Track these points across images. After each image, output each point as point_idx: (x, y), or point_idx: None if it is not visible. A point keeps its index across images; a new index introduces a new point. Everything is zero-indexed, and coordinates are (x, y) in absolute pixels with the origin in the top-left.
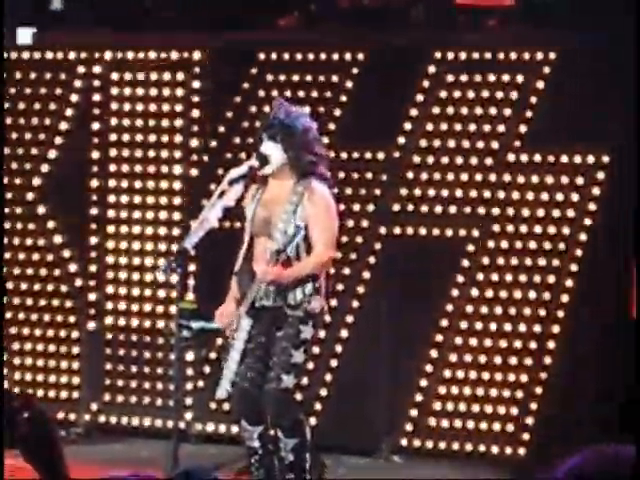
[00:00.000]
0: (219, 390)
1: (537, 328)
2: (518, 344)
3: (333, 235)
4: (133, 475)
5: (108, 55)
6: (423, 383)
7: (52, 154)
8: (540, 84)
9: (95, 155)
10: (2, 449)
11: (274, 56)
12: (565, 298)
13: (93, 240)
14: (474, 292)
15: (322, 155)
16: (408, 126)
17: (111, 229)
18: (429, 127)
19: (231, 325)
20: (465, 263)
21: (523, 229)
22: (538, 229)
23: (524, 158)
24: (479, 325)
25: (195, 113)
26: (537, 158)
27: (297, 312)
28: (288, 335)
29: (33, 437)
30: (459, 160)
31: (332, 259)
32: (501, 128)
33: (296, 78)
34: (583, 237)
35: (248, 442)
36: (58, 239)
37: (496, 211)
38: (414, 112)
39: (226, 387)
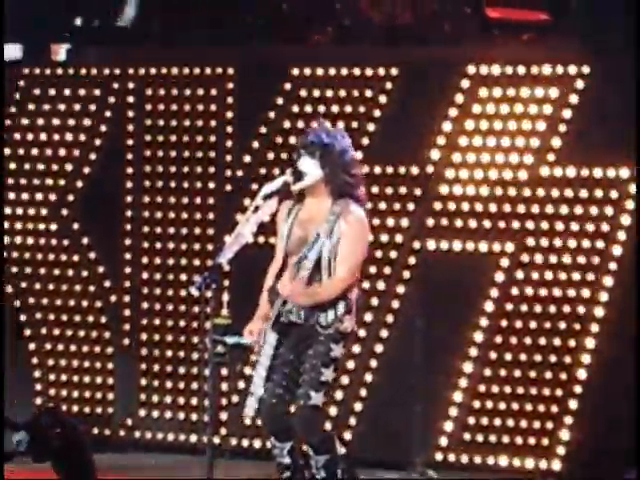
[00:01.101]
0: (246, 408)
1: (572, 342)
2: (553, 358)
3: (358, 260)
4: None
5: (142, 71)
6: (458, 397)
7: (87, 170)
8: (574, 98)
9: (129, 170)
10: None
11: (307, 71)
12: (599, 312)
13: (127, 256)
14: (508, 306)
15: (359, 177)
16: (442, 141)
17: (145, 244)
18: (463, 142)
19: (259, 342)
20: (499, 277)
21: (557, 243)
22: (572, 243)
23: (558, 172)
24: (514, 339)
25: (229, 128)
26: (571, 172)
27: (329, 331)
28: (318, 352)
29: (65, 451)
30: (493, 174)
31: (354, 282)
32: (535, 142)
33: (330, 93)
34: (617, 251)
35: (279, 459)
36: (92, 255)
37: (530, 225)
38: (448, 127)
39: (253, 404)
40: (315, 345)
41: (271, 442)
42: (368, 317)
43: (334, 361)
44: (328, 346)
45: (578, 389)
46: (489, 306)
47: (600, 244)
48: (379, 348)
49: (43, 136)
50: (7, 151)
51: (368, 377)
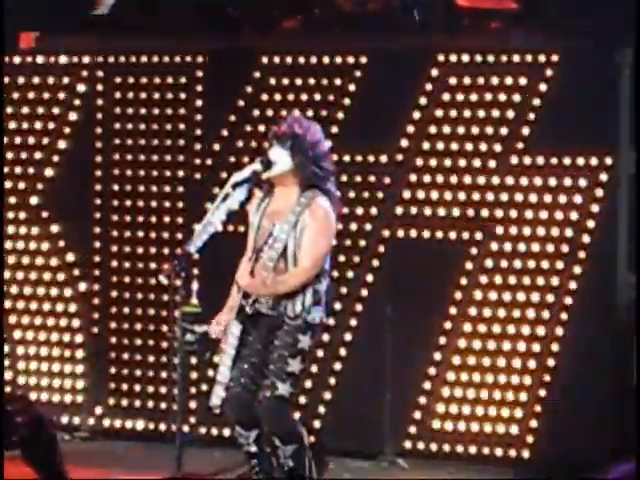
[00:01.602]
0: (213, 397)
1: (541, 330)
2: (522, 346)
3: (322, 252)
4: None
5: (111, 59)
6: (427, 386)
7: (56, 158)
8: (543, 86)
9: (98, 159)
10: (2, 451)
11: (277, 60)
12: (568, 300)
13: (97, 244)
14: (477, 295)
15: (329, 170)
16: (411, 129)
17: (115, 233)
18: (432, 130)
19: (225, 331)
20: (468, 266)
21: (526, 231)
22: (541, 231)
23: (527, 160)
24: (482, 328)
25: (198, 117)
26: (540, 160)
27: (296, 322)
28: (285, 343)
29: (32, 440)
30: (462, 163)
31: (321, 273)
32: (504, 131)
33: (299, 82)
34: (586, 239)
35: (245, 447)
36: (62, 243)
37: (499, 213)
38: (417, 115)
39: (219, 394)
40: (282, 335)
41: (236, 431)
42: (337, 306)
43: (301, 352)
44: (295, 337)
45: (547, 377)
46: (458, 295)
47: (569, 232)
48: (348, 337)
49: (12, 124)
50: None
51: (337, 366)
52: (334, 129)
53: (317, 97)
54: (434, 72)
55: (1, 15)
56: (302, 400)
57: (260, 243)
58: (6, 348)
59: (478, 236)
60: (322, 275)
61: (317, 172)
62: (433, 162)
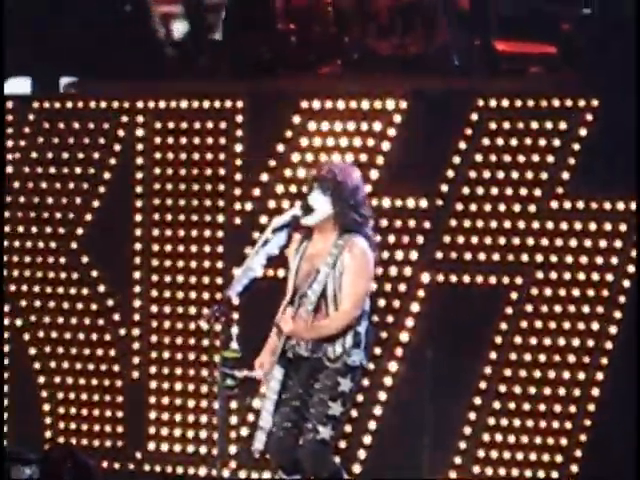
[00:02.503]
0: (255, 442)
1: (581, 375)
2: (562, 391)
3: (364, 293)
4: None
5: (151, 104)
6: (467, 431)
7: (96, 203)
8: (582, 131)
9: (138, 204)
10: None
11: (316, 104)
12: (609, 345)
13: (137, 289)
14: (517, 339)
15: (368, 216)
16: (451, 174)
17: (154, 277)
18: (472, 174)
19: (267, 375)
20: (508, 310)
21: (566, 276)
22: (582, 276)
23: (567, 205)
24: (523, 372)
25: (238, 162)
26: (580, 205)
27: (336, 364)
28: (326, 386)
29: None
30: (502, 207)
31: (361, 315)
32: (544, 175)
33: (338, 126)
34: (626, 284)
35: None
36: (101, 288)
37: (539, 258)
38: (457, 160)
39: (262, 438)
40: (323, 379)
41: (279, 475)
42: (377, 350)
43: (342, 395)
44: (335, 380)
45: (587, 422)
46: (498, 339)
47: (609, 277)
48: (388, 381)
49: (52, 169)
50: (16, 184)
51: (377, 410)
52: (374, 174)
53: (357, 142)
54: (474, 116)
55: (1, 16)
56: (342, 444)
57: (302, 286)
58: (45, 393)
59: (518, 281)
60: (362, 317)
61: (356, 219)
62: (473, 207)
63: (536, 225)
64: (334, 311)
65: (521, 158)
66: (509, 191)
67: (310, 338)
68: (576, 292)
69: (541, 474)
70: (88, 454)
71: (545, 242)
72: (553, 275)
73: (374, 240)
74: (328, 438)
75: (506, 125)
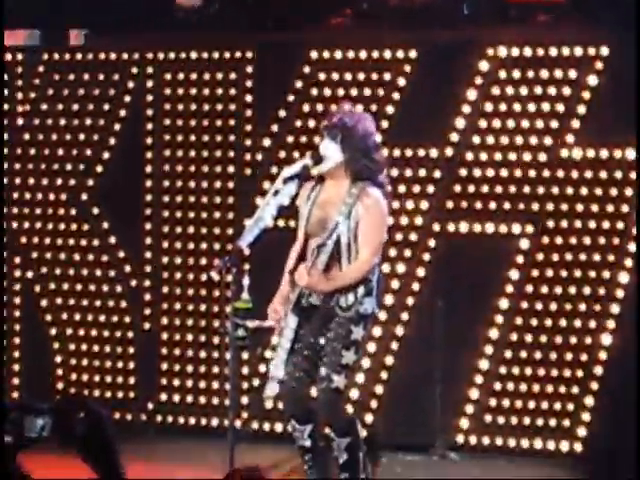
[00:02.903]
0: (267, 390)
1: (592, 324)
2: (573, 340)
3: (380, 242)
4: None
5: (160, 55)
6: (479, 380)
7: (106, 155)
8: (593, 79)
9: (149, 155)
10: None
11: (326, 54)
12: (620, 293)
13: (148, 240)
14: (529, 288)
15: (380, 162)
16: (461, 123)
17: (165, 229)
18: (482, 124)
19: (280, 322)
20: (519, 259)
21: (577, 225)
22: (592, 224)
23: (577, 153)
24: (534, 321)
25: (248, 112)
26: (590, 153)
27: (349, 313)
28: (339, 335)
29: (89, 437)
30: (512, 156)
31: (373, 267)
32: (554, 124)
33: (348, 76)
34: (637, 232)
35: (300, 442)
36: (112, 240)
37: (550, 207)
38: (467, 109)
39: (274, 387)
40: (335, 327)
41: (291, 425)
42: (389, 300)
43: (355, 343)
44: (348, 328)
45: (599, 370)
46: (509, 288)
47: (620, 225)
48: (400, 331)
49: (62, 121)
50: (27, 136)
51: (389, 360)
52: (384, 124)
53: (367, 92)
54: (483, 66)
55: (1, 14)
56: (354, 394)
57: (314, 233)
58: (57, 345)
59: (529, 229)
60: (375, 266)
61: (368, 165)
62: (483, 156)
63: (547, 174)
64: (347, 261)
65: (531, 107)
66: (519, 140)
67: (327, 290)
68: (587, 240)
69: (553, 422)
70: (100, 404)
71: (556, 190)
72: (564, 224)
73: (387, 187)
74: (342, 387)
75: (516, 74)
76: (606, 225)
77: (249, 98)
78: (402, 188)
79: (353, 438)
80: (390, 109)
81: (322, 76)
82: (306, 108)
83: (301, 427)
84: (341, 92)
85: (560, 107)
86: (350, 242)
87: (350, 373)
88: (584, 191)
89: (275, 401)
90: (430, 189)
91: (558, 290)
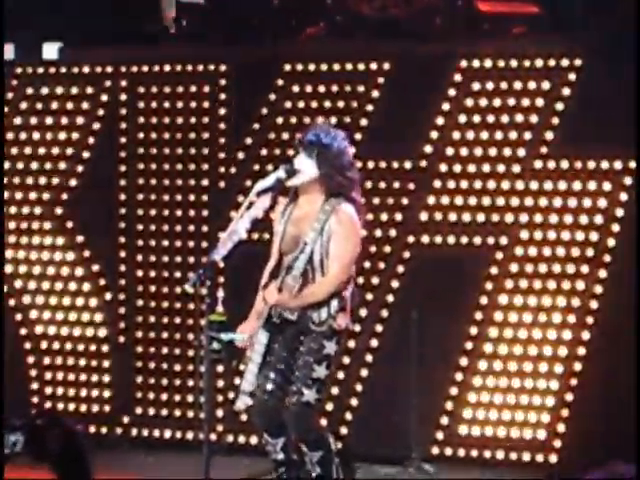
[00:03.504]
0: (238, 402)
1: (567, 335)
2: (548, 351)
3: (351, 258)
4: None
5: (134, 68)
6: (453, 391)
7: (80, 168)
8: (566, 90)
9: (122, 169)
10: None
11: (300, 67)
12: (594, 304)
13: (122, 254)
14: (503, 299)
15: (354, 180)
16: (435, 135)
17: (140, 242)
18: (456, 135)
19: (252, 340)
20: (494, 271)
21: (551, 236)
22: (566, 236)
23: (551, 165)
24: (509, 333)
25: (222, 125)
26: (564, 164)
27: (322, 328)
28: (311, 350)
29: (62, 453)
30: (486, 168)
31: (347, 279)
32: (528, 135)
33: (322, 89)
34: (611, 243)
35: (273, 455)
36: (87, 253)
37: (524, 218)
38: (440, 121)
39: (244, 400)
40: (308, 342)
41: (264, 439)
42: (363, 312)
43: (327, 358)
44: (321, 343)
45: (574, 381)
46: (484, 300)
47: (594, 236)
48: (374, 343)
49: (36, 135)
50: None
51: (363, 372)
52: (358, 136)
53: (340, 104)
54: (457, 78)
55: (1, 14)
56: (329, 407)
57: (288, 251)
58: (32, 359)
59: (503, 241)
60: (348, 281)
61: (342, 182)
62: (457, 168)
63: (520, 185)
64: (320, 277)
65: (504, 118)
66: (493, 151)
67: (297, 307)
68: (561, 251)
69: (528, 433)
70: (75, 420)
71: (529, 202)
72: (538, 235)
73: (361, 204)
74: (312, 400)
75: (489, 85)
76: (580, 237)
77: (223, 111)
78: (376, 200)
79: (325, 452)
80: (364, 121)
81: (296, 89)
82: (280, 120)
83: (273, 440)
84: (314, 104)
85: (534, 118)
86: (323, 258)
87: (321, 387)
88: (558, 202)
89: (245, 414)
90: (404, 201)
91: (532, 301)
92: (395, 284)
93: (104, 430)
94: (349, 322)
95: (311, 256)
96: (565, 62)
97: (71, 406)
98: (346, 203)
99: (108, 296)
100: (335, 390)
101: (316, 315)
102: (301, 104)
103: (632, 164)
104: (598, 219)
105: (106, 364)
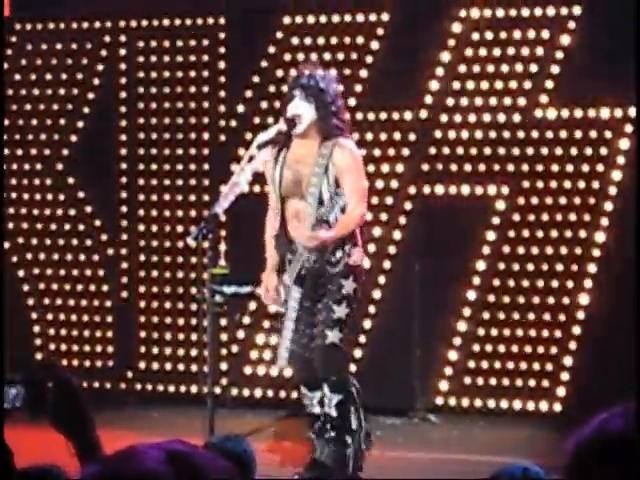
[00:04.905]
0: (278, 361)
1: (570, 283)
2: (551, 300)
3: (364, 189)
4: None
5: (133, 23)
6: (457, 342)
7: (80, 124)
8: (565, 39)
9: (123, 123)
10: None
11: (299, 20)
12: (597, 252)
13: (124, 209)
14: (505, 249)
15: (347, 122)
16: (435, 85)
17: (141, 197)
18: (456, 86)
19: (279, 298)
20: (495, 220)
21: (553, 185)
22: (568, 184)
23: (552, 114)
24: (511, 282)
25: (221, 79)
26: (564, 113)
27: (338, 268)
28: (330, 291)
29: (60, 405)
30: (487, 118)
31: (365, 211)
32: (528, 85)
33: (321, 41)
34: (613, 191)
35: (309, 409)
36: (89, 209)
37: (525, 167)
38: (440, 71)
39: (284, 356)
40: (326, 284)
41: (301, 392)
42: (365, 263)
43: (346, 297)
44: (339, 283)
45: (577, 330)
46: (486, 250)
47: (595, 184)
48: (377, 294)
49: (36, 91)
50: None
51: (367, 324)
52: (358, 87)
53: (340, 56)
54: (456, 28)
55: (1, 13)
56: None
57: (292, 194)
58: (36, 315)
59: (505, 191)
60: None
61: (339, 124)
62: (458, 118)
63: (521, 134)
64: (333, 215)
65: (504, 68)
66: (493, 101)
67: (332, 240)
68: (563, 200)
69: (532, 383)
70: (71, 373)
71: (530, 151)
72: (539, 184)
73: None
74: (337, 341)
75: (489, 35)
76: (582, 185)
77: (222, 65)
78: (377, 152)
79: (344, 396)
80: (364, 73)
81: (295, 41)
82: (279, 73)
83: (311, 394)
84: (314, 57)
85: (533, 68)
86: (332, 196)
87: (344, 327)
88: (559, 151)
89: (255, 367)
90: (405, 152)
91: (535, 250)
92: (397, 235)
93: (108, 385)
94: (364, 258)
95: (320, 198)
96: (564, 10)
97: (75, 362)
98: (343, 138)
99: (110, 251)
100: None
101: (332, 256)
102: (301, 56)
103: (632, 112)
104: (600, 167)
105: (109, 319)
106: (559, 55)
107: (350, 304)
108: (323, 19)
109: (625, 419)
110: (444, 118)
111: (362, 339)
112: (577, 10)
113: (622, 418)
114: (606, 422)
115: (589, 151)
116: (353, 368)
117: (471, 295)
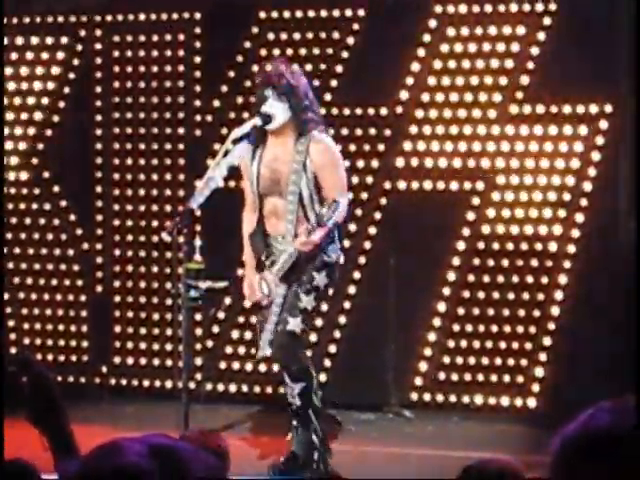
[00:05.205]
0: (260, 351)
1: (544, 279)
2: (526, 296)
3: (344, 179)
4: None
5: (109, 17)
6: (432, 337)
7: (56, 118)
8: (541, 35)
9: (98, 118)
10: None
11: (275, 14)
12: (571, 249)
13: (98, 203)
14: (480, 245)
15: (320, 115)
16: (410, 81)
17: (116, 192)
18: (431, 81)
19: (264, 295)
20: (470, 216)
21: (528, 181)
22: (543, 180)
23: (527, 110)
24: (486, 278)
25: (197, 73)
26: (540, 109)
27: (313, 262)
28: (301, 281)
29: (35, 400)
30: (462, 113)
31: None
32: (503, 80)
33: (297, 36)
34: (588, 187)
35: (289, 399)
36: (63, 203)
37: (500, 163)
38: (416, 67)
39: (267, 345)
40: (300, 275)
41: (284, 381)
42: (340, 259)
43: (316, 289)
44: (311, 275)
45: (552, 326)
46: (461, 245)
47: (570, 181)
48: (352, 289)
49: (12, 85)
50: None
51: (341, 319)
52: (333, 83)
53: (316, 51)
54: (432, 23)
55: (1, 12)
56: (307, 353)
57: (270, 192)
58: (10, 309)
59: (480, 186)
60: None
61: (313, 117)
62: (433, 113)
63: (496, 130)
64: (312, 212)
65: (480, 64)
66: (469, 97)
67: (322, 239)
68: (538, 196)
69: (506, 378)
70: (45, 367)
71: (506, 147)
72: (514, 180)
73: (327, 133)
74: (297, 330)
75: (464, 31)
76: (556, 181)
77: (198, 59)
78: (352, 147)
79: (306, 384)
80: (339, 68)
81: (271, 36)
82: (255, 68)
83: (292, 384)
84: (290, 52)
85: (509, 63)
86: (312, 194)
87: (307, 318)
88: (534, 147)
89: (229, 362)
90: (381, 147)
91: (510, 246)
92: (372, 230)
93: (82, 380)
94: (340, 255)
95: (300, 196)
96: (540, 7)
97: (49, 356)
98: (318, 133)
99: (85, 246)
100: (313, 337)
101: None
102: (276, 52)
103: (608, 108)
104: (574, 163)
105: (84, 314)
106: (535, 51)
107: (318, 297)
108: (299, 14)
109: (612, 414)
110: (419, 114)
111: (337, 334)
112: (553, 6)
113: (608, 413)
114: (592, 418)
115: (564, 147)
116: (327, 363)
117: (446, 291)
